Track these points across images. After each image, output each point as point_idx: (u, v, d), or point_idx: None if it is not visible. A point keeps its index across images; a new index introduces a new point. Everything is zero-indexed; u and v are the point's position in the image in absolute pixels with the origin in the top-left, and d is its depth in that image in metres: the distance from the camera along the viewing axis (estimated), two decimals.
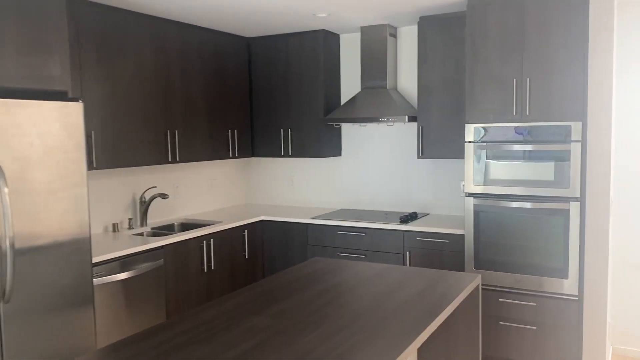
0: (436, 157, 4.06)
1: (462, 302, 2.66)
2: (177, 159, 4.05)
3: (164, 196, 4.05)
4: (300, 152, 4.64)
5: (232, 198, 5.14)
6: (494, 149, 3.48)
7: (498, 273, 3.52)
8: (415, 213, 4.28)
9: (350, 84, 4.75)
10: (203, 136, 4.31)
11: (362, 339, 1.85)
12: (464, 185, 3.62)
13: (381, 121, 4.11)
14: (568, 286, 3.33)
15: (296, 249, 4.40)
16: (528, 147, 3.37)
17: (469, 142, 3.54)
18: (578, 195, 3.26)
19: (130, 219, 4.01)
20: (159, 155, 3.90)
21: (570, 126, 3.25)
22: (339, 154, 4.80)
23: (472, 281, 2.54)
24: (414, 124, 4.47)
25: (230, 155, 4.61)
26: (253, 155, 4.89)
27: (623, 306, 3.84)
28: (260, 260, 4.55)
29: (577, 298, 3.32)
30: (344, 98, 4.80)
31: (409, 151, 4.52)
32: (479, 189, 3.54)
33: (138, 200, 4.13)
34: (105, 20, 3.49)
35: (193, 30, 4.21)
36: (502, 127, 3.44)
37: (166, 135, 3.96)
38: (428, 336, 2.68)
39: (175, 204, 4.49)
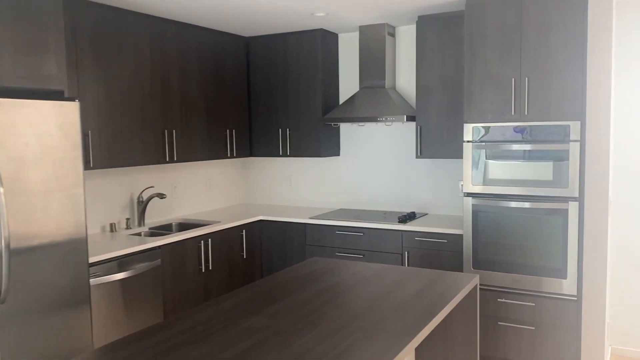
0: (434, 157, 4.05)
1: (460, 302, 2.65)
2: (175, 159, 4.04)
3: (161, 196, 4.04)
4: (298, 151, 4.63)
5: (230, 198, 5.12)
6: (492, 148, 3.47)
7: (496, 273, 3.51)
8: (413, 213, 4.27)
9: (348, 84, 4.74)
10: (201, 136, 4.30)
11: (359, 339, 1.84)
12: (462, 185, 3.61)
13: (379, 121, 4.10)
14: (567, 286, 3.32)
15: (294, 249, 4.39)
16: (527, 147, 3.36)
17: (468, 141, 3.53)
18: (577, 195, 3.25)
19: (127, 219, 4.00)
20: (156, 155, 3.89)
21: (569, 126, 3.24)
22: (338, 154, 4.79)
23: (470, 281, 2.53)
24: (413, 124, 4.46)
25: (229, 155, 4.60)
26: (251, 155, 4.88)
27: (622, 306, 3.84)
28: (259, 260, 4.54)
29: (575, 298, 3.31)
30: (343, 98, 4.79)
31: (407, 151, 4.51)
32: (477, 189, 3.53)
33: (136, 200, 4.12)
34: (103, 20, 3.48)
35: (191, 29, 4.20)
36: (501, 126, 3.43)
37: (164, 135, 3.95)
38: (426, 336, 2.68)
39: (173, 203, 4.48)
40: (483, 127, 3.48)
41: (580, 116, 3.23)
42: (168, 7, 3.67)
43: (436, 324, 2.09)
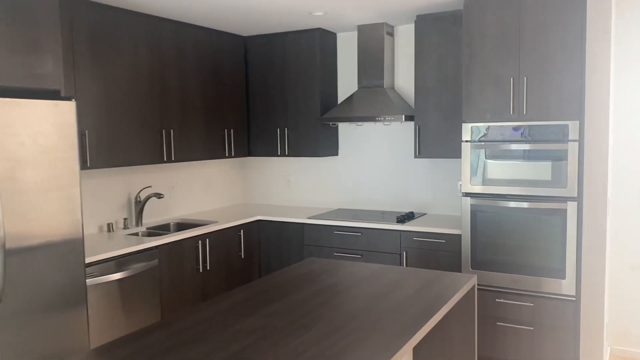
0: (433, 157, 4.04)
1: (458, 302, 2.63)
2: (173, 159, 4.03)
3: (159, 196, 4.03)
4: (296, 151, 4.61)
5: (228, 198, 5.11)
6: (491, 148, 3.46)
7: (495, 273, 3.50)
8: (412, 213, 4.26)
9: (347, 83, 4.73)
10: (199, 135, 4.29)
11: (355, 340, 1.82)
12: (461, 185, 3.60)
13: (378, 120, 4.09)
14: (565, 286, 3.30)
15: (292, 249, 4.37)
16: (525, 147, 3.35)
17: (466, 141, 3.52)
18: (575, 195, 3.24)
19: (125, 219, 3.98)
20: (154, 155, 3.87)
21: (567, 125, 3.23)
22: (336, 154, 4.78)
23: (467, 282, 2.52)
24: (411, 124, 4.45)
25: (227, 155, 4.58)
26: (249, 154, 4.86)
27: (621, 307, 3.82)
28: (257, 260, 4.52)
29: (574, 298, 3.30)
30: (341, 97, 4.77)
31: (406, 151, 4.49)
32: (476, 189, 3.52)
33: (133, 200, 4.10)
34: (100, 19, 3.47)
35: (189, 28, 4.18)
36: (500, 126, 3.42)
37: (162, 134, 3.93)
38: (423, 337, 2.66)
39: (171, 203, 4.46)
40: (482, 126, 3.47)
41: (579, 116, 3.22)
42: (166, 6, 3.66)
43: (433, 324, 2.07)
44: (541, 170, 3.32)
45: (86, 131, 3.38)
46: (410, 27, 4.39)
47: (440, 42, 3.95)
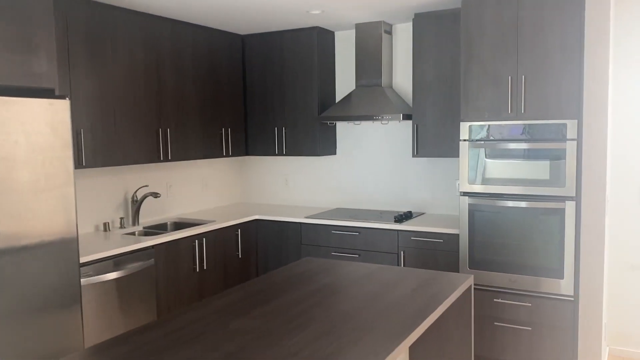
0: (431, 156, 4.02)
1: (454, 302, 2.62)
2: (170, 158, 4.01)
3: (155, 195, 4.01)
4: (294, 150, 4.59)
5: (226, 197, 5.09)
6: (489, 147, 3.44)
7: (493, 273, 3.48)
8: (410, 212, 4.24)
9: (345, 82, 4.71)
10: (196, 134, 4.27)
11: (349, 341, 1.80)
12: (459, 184, 3.58)
13: (376, 119, 4.07)
14: (563, 286, 3.28)
15: (290, 249, 4.36)
16: (523, 146, 3.33)
17: (464, 140, 3.50)
18: (574, 194, 3.21)
19: (121, 218, 3.97)
20: (150, 154, 3.86)
21: (566, 124, 3.21)
22: (334, 153, 4.76)
23: (464, 282, 2.50)
24: (409, 123, 4.43)
25: (224, 154, 4.56)
26: (247, 153, 4.85)
27: (620, 307, 3.80)
28: (254, 260, 4.51)
29: (572, 298, 3.28)
30: (339, 96, 4.75)
31: (404, 150, 4.47)
32: (473, 188, 3.50)
33: (130, 200, 4.09)
34: (96, 17, 3.45)
35: (186, 27, 4.16)
36: (498, 125, 3.40)
37: (158, 133, 3.92)
38: (420, 337, 2.65)
39: (169, 203, 4.45)
40: (479, 125, 3.45)
41: (578, 115, 3.20)
42: (162, 5, 3.64)
43: (428, 324, 2.05)
44: (539, 169, 3.30)
45: (81, 130, 3.36)
46: (409, 26, 4.37)
47: (438, 41, 3.93)
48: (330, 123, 4.65)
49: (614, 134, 3.72)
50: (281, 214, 4.48)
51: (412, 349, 2.73)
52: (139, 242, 3.43)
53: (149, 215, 4.27)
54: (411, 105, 4.22)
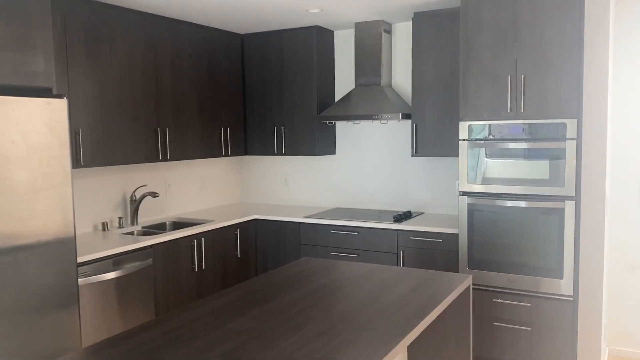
0: (430, 155, 4.01)
1: (453, 302, 2.60)
2: (168, 157, 4.00)
3: (154, 195, 4.00)
4: (293, 150, 4.58)
5: (225, 197, 5.08)
6: (488, 147, 3.42)
7: (492, 273, 3.46)
8: (409, 212, 4.22)
9: (344, 81, 4.70)
10: (195, 134, 4.26)
11: (346, 341, 1.79)
12: (458, 184, 3.57)
13: (375, 119, 4.06)
14: (563, 286, 3.27)
15: (289, 249, 4.35)
16: (523, 145, 3.32)
17: (463, 140, 3.49)
18: (573, 194, 3.20)
19: (120, 218, 3.96)
20: (149, 153, 3.85)
21: (565, 123, 3.19)
22: (333, 152, 4.75)
23: (462, 282, 2.48)
24: (409, 122, 4.42)
25: (223, 154, 4.56)
26: (246, 153, 4.84)
27: (620, 307, 3.79)
28: (253, 260, 4.50)
29: (572, 299, 3.26)
30: (338, 95, 4.74)
31: (403, 149, 4.46)
32: (473, 188, 3.49)
33: (128, 199, 4.08)
34: (94, 16, 3.44)
35: (185, 26, 4.15)
36: (497, 124, 3.38)
37: (157, 132, 3.91)
38: (418, 337, 2.63)
39: (168, 202, 4.44)
40: (479, 125, 3.43)
41: (577, 114, 3.18)
42: (161, 4, 3.63)
43: (426, 325, 2.04)
44: (539, 169, 3.28)
45: (79, 129, 3.35)
46: (408, 25, 4.36)
47: (437, 40, 3.91)
48: (329, 122, 4.64)
49: (614, 133, 3.71)
50: (280, 213, 4.47)
51: (411, 348, 2.72)
52: (138, 241, 3.43)
53: (148, 215, 4.26)
54: (410, 104, 4.21)
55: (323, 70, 4.55)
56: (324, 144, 4.59)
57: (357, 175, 4.68)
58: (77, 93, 3.35)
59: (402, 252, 3.86)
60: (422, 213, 4.33)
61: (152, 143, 3.87)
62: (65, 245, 2.80)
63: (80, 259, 3.01)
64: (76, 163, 3.32)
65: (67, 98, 2.79)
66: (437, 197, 4.33)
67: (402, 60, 4.41)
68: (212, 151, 4.44)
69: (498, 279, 3.45)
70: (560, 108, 3.22)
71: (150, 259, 3.50)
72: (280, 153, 4.65)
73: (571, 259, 3.23)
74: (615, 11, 3.61)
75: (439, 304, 2.18)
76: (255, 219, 4.47)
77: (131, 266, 3.36)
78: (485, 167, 3.44)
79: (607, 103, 3.18)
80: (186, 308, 2.15)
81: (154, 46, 3.88)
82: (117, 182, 3.99)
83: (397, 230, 3.87)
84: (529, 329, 3.38)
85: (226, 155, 4.59)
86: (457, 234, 3.64)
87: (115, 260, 3.26)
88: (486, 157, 3.43)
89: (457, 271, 3.62)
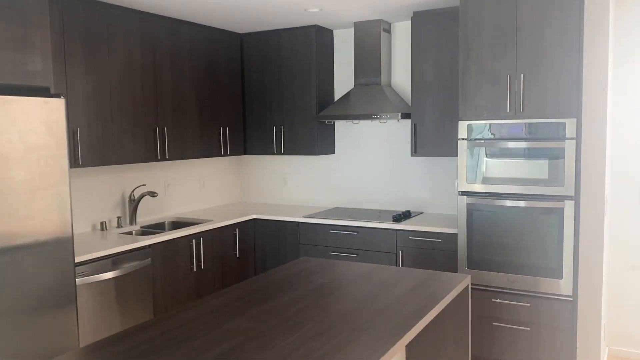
0: (430, 155, 4.00)
1: (452, 302, 2.60)
2: (167, 157, 3.99)
3: (153, 194, 3.99)
4: (293, 149, 4.58)
5: (224, 196, 5.08)
6: (487, 146, 3.41)
7: (491, 273, 3.46)
8: (408, 212, 4.22)
9: (343, 81, 4.69)
10: (194, 133, 4.25)
11: (344, 341, 1.79)
12: (457, 184, 3.56)
13: (374, 118, 4.05)
14: (562, 286, 3.26)
15: (288, 248, 4.34)
16: (522, 145, 3.31)
17: (462, 139, 3.48)
18: (572, 193, 3.19)
19: (119, 218, 3.95)
20: (148, 153, 3.84)
21: (564, 123, 3.19)
22: (333, 152, 4.74)
23: (461, 282, 2.48)
24: (408, 121, 4.41)
25: (222, 153, 4.55)
26: (245, 152, 4.83)
27: (620, 307, 3.78)
28: (252, 260, 4.49)
29: (571, 299, 3.26)
30: (338, 95, 4.73)
31: (403, 149, 4.45)
32: (472, 187, 3.48)
33: (127, 199, 4.07)
34: (93, 16, 3.43)
35: (184, 25, 4.15)
36: (496, 124, 3.37)
37: (155, 132, 3.90)
38: (416, 337, 2.63)
39: (167, 202, 4.43)
40: (478, 124, 3.43)
41: (577, 113, 3.17)
42: (160, 3, 3.62)
43: (425, 324, 2.04)
44: (538, 168, 3.28)
45: (78, 129, 3.34)
46: (407, 24, 4.35)
47: (437, 39, 3.90)
48: (328, 122, 4.63)
49: (614, 133, 3.70)
50: (279, 213, 4.46)
51: (410, 348, 2.72)
52: (136, 241, 3.42)
53: (147, 214, 4.25)
54: (410, 104, 4.20)
55: (322, 69, 4.54)
56: (323, 144, 4.58)
57: (357, 174, 4.67)
58: (76, 92, 3.34)
59: (401, 252, 3.85)
60: (422, 213, 4.32)
61: (151, 142, 3.87)
62: (63, 245, 2.79)
63: (78, 259, 3.00)
64: (74, 162, 3.31)
65: (65, 97, 2.79)
66: (436, 197, 4.32)
67: (402, 59, 4.40)
68: (211, 151, 4.43)
69: (497, 279, 3.44)
70: (559, 108, 3.21)
71: (149, 259, 3.49)
72: (279, 153, 4.64)
73: (570, 259, 3.23)
74: (615, 11, 3.61)
75: (437, 303, 2.18)
76: (254, 219, 4.46)
77: (130, 266, 3.35)
78: (485, 167, 3.43)
79: (606, 103, 3.17)
80: (184, 308, 2.14)
81: (153, 45, 3.88)
82: (115, 181, 3.99)
83: (396, 230, 3.86)
84: (528, 329, 3.38)
85: (225, 154, 4.58)
86: (456, 234, 3.63)
87: (114, 260, 3.26)
88: (485, 156, 3.43)
89: (456, 271, 3.61)
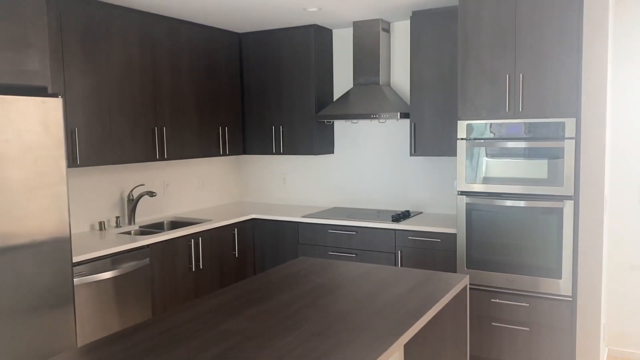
0: (429, 155, 3.99)
1: (450, 302, 2.59)
2: (166, 157, 3.99)
3: (151, 194, 3.99)
4: (292, 149, 4.57)
5: (223, 196, 5.07)
6: (486, 146, 3.41)
7: (490, 273, 3.45)
8: (408, 212, 4.21)
9: (342, 80, 4.68)
10: (193, 133, 4.25)
11: (341, 341, 1.78)
12: (456, 183, 3.55)
13: (373, 118, 4.04)
14: (561, 286, 3.25)
15: (287, 248, 4.33)
16: (521, 144, 3.30)
17: (461, 139, 3.47)
18: (572, 193, 3.18)
19: (117, 218, 3.94)
20: (146, 153, 3.83)
21: (564, 123, 3.18)
22: (332, 152, 4.73)
23: (459, 282, 2.47)
24: (407, 121, 4.40)
25: (221, 153, 4.54)
26: (244, 152, 4.82)
27: (620, 307, 3.77)
28: (251, 260, 4.48)
29: (570, 299, 3.25)
30: (337, 94, 4.72)
31: (402, 149, 4.45)
32: (471, 187, 3.47)
33: (126, 198, 4.06)
34: (91, 15, 3.42)
35: (183, 25, 4.14)
36: (495, 123, 3.37)
37: (154, 132, 3.89)
38: (414, 337, 2.62)
39: (165, 202, 4.42)
40: (477, 124, 3.42)
41: (576, 113, 3.16)
42: (159, 3, 3.61)
43: (423, 324, 2.03)
44: (537, 168, 3.27)
45: (76, 128, 3.33)
46: (406, 24, 4.34)
47: (436, 39, 3.90)
48: (327, 122, 4.63)
49: (614, 133, 3.69)
50: (278, 213, 4.46)
51: (408, 349, 2.71)
52: (135, 241, 3.41)
53: (146, 214, 4.25)
54: (409, 103, 4.19)
55: (321, 69, 4.53)
56: (322, 143, 4.57)
57: (356, 174, 4.67)
58: (74, 92, 3.33)
59: (400, 252, 3.84)
60: (421, 213, 4.31)
61: (150, 142, 3.86)
62: (61, 245, 2.78)
63: (77, 259, 3.00)
64: (73, 162, 3.31)
65: (63, 97, 2.78)
66: (435, 197, 4.32)
67: (401, 59, 4.39)
68: (210, 150, 4.43)
69: (496, 279, 3.43)
70: (558, 107, 3.20)
71: (147, 259, 3.49)
72: (278, 152, 4.63)
73: (570, 259, 3.22)
74: (615, 11, 3.60)
75: (435, 303, 2.17)
76: (253, 219, 4.45)
77: (128, 266, 3.35)
78: (484, 167, 3.42)
79: (606, 102, 3.16)
80: (182, 308, 2.13)
81: (152, 45, 3.87)
82: (114, 181, 3.98)
83: (395, 230, 3.85)
84: (528, 329, 3.37)
85: (224, 154, 4.57)
86: (455, 234, 3.63)
87: (113, 260, 3.25)
88: (484, 156, 3.42)
89: (455, 271, 3.61)
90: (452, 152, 3.88)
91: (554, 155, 3.21)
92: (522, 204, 3.32)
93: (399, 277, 2.56)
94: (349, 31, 4.60)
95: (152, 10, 3.83)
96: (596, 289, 3.24)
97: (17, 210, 2.57)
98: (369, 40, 4.26)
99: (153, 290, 3.54)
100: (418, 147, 4.02)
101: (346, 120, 4.54)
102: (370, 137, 4.57)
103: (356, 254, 4.02)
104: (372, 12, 4.04)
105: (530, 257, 3.32)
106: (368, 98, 4.16)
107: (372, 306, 2.14)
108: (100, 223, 3.82)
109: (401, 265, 3.85)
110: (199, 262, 3.91)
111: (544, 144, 3.24)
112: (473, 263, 3.50)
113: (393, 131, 4.47)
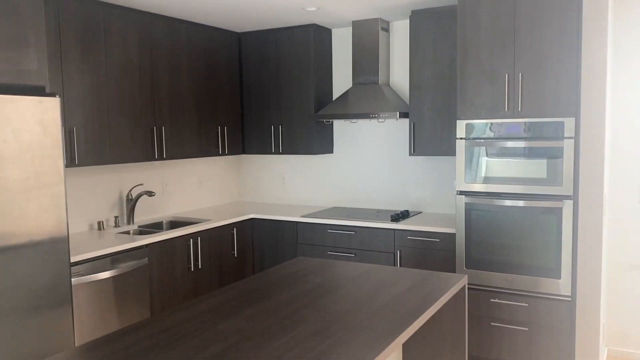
0: (428, 155, 3.98)
1: (449, 302, 2.58)
2: (164, 156, 3.98)
3: (150, 194, 3.98)
4: (291, 149, 4.56)
5: (222, 196, 5.06)
6: (485, 145, 3.40)
7: (489, 273, 3.44)
8: (407, 211, 4.20)
9: (342, 80, 4.68)
10: (192, 132, 4.24)
11: (339, 342, 1.77)
12: (456, 183, 3.54)
13: (373, 117, 4.03)
14: (561, 286, 3.25)
15: (286, 248, 4.32)
16: (520, 144, 3.29)
17: (460, 138, 3.46)
18: (571, 193, 3.18)
19: (116, 217, 3.94)
20: (145, 152, 3.83)
21: (563, 122, 3.17)
22: (331, 151, 4.73)
23: (458, 282, 2.46)
24: (406, 121, 4.39)
25: (220, 152, 4.53)
26: (243, 152, 4.81)
27: (619, 307, 3.76)
28: (250, 259, 4.48)
29: (570, 299, 3.24)
30: (336, 94, 4.72)
31: (401, 148, 4.44)
32: (470, 187, 3.46)
33: (125, 198, 4.06)
34: (89, 14, 3.42)
35: (182, 24, 4.13)
36: (494, 123, 3.36)
37: (153, 131, 3.89)
38: (413, 337, 2.61)
39: (164, 201, 4.42)
40: (476, 123, 3.41)
41: (575, 113, 3.16)
42: (159, 3, 3.60)
43: (421, 324, 2.02)
44: (536, 168, 3.26)
45: (74, 128, 3.33)
46: (406, 23, 4.34)
47: (435, 38, 3.89)
48: (327, 121, 4.62)
49: (614, 133, 3.68)
50: (277, 212, 4.45)
51: (406, 348, 2.70)
52: (133, 241, 3.41)
53: (145, 214, 4.24)
54: (408, 103, 4.19)
55: (320, 68, 4.52)
56: (322, 143, 4.57)
57: (355, 174, 4.66)
58: (72, 91, 3.33)
59: (400, 252, 3.84)
60: (420, 212, 4.31)
61: (149, 142, 3.85)
62: (59, 245, 2.78)
63: (75, 258, 2.99)
64: (71, 162, 3.30)
65: (61, 96, 2.78)
66: (434, 197, 4.31)
67: (400, 58, 4.39)
68: (209, 150, 4.42)
69: (495, 278, 3.43)
70: (558, 107, 3.19)
71: (146, 259, 3.48)
72: (277, 152, 4.63)
73: (569, 259, 3.21)
74: (614, 11, 3.59)
75: (433, 303, 2.16)
76: (252, 218, 4.45)
77: (127, 265, 3.34)
78: (483, 166, 3.42)
79: (605, 102, 3.15)
80: (181, 307, 2.13)
81: (151, 44, 3.86)
82: (113, 181, 3.97)
83: (394, 229, 3.85)
84: (527, 329, 3.36)
85: (223, 154, 4.56)
86: (454, 234, 3.62)
87: (111, 260, 3.24)
88: (483, 155, 3.41)
89: (454, 271, 3.60)
90: (451, 151, 3.88)
91: (554, 155, 3.21)
92: (521, 203, 3.32)
93: (397, 277, 2.55)
94: (348, 30, 4.60)
95: (151, 10, 3.82)
96: (595, 289, 3.23)
97: (14, 210, 2.56)
98: (368, 39, 4.25)
99: (152, 290, 3.54)
100: (417, 146, 4.01)
101: (345, 119, 4.54)
102: (370, 136, 4.57)
103: (355, 254, 4.01)
104: (371, 12, 4.04)
105: (530, 257, 3.32)
106: (367, 97, 4.16)
107: (371, 306, 2.14)
108: (99, 223, 3.81)
109: (400, 265, 3.85)
110: (198, 261, 3.91)
111: (543, 144, 3.23)
112: (472, 263, 3.49)
113: (392, 131, 4.47)
